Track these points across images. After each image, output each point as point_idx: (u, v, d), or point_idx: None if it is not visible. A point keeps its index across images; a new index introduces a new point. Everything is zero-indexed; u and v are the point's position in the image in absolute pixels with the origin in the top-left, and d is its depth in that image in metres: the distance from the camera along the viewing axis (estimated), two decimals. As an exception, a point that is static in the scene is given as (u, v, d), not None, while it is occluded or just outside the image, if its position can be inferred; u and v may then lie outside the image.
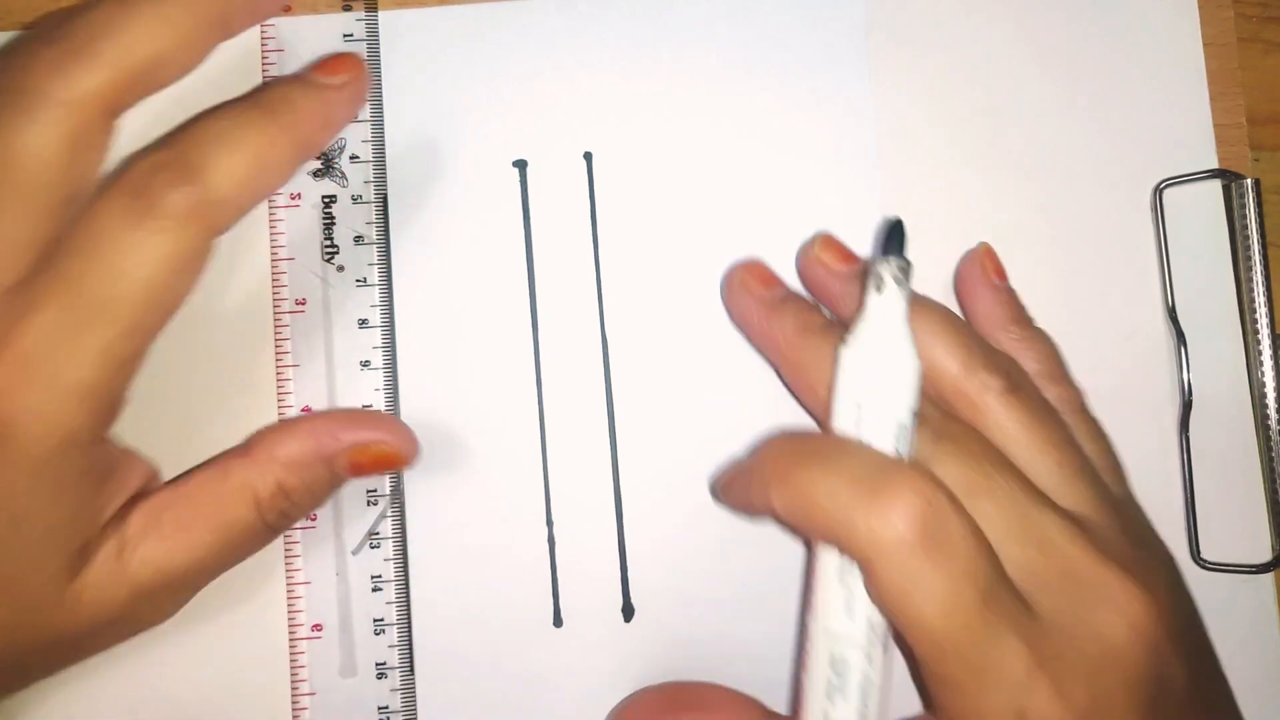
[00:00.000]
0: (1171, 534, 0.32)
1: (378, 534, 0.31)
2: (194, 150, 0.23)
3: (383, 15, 0.33)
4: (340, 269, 0.32)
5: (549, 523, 0.32)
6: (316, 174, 0.31)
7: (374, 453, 0.28)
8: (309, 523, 0.31)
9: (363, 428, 0.28)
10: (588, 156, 0.33)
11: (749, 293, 0.30)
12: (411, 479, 0.32)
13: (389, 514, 0.31)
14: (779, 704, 0.32)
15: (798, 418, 0.32)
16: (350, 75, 0.26)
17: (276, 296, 0.32)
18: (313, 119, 0.25)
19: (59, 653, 0.27)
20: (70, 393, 0.22)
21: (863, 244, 0.32)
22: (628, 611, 0.32)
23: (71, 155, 0.22)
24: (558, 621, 0.32)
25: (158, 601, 0.26)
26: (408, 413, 0.32)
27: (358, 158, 0.32)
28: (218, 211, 0.23)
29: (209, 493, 0.26)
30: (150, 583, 0.25)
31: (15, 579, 0.24)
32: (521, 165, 0.33)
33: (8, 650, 0.25)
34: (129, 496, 0.26)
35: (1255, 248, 0.32)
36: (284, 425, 0.28)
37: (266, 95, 0.25)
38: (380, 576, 0.32)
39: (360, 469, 0.28)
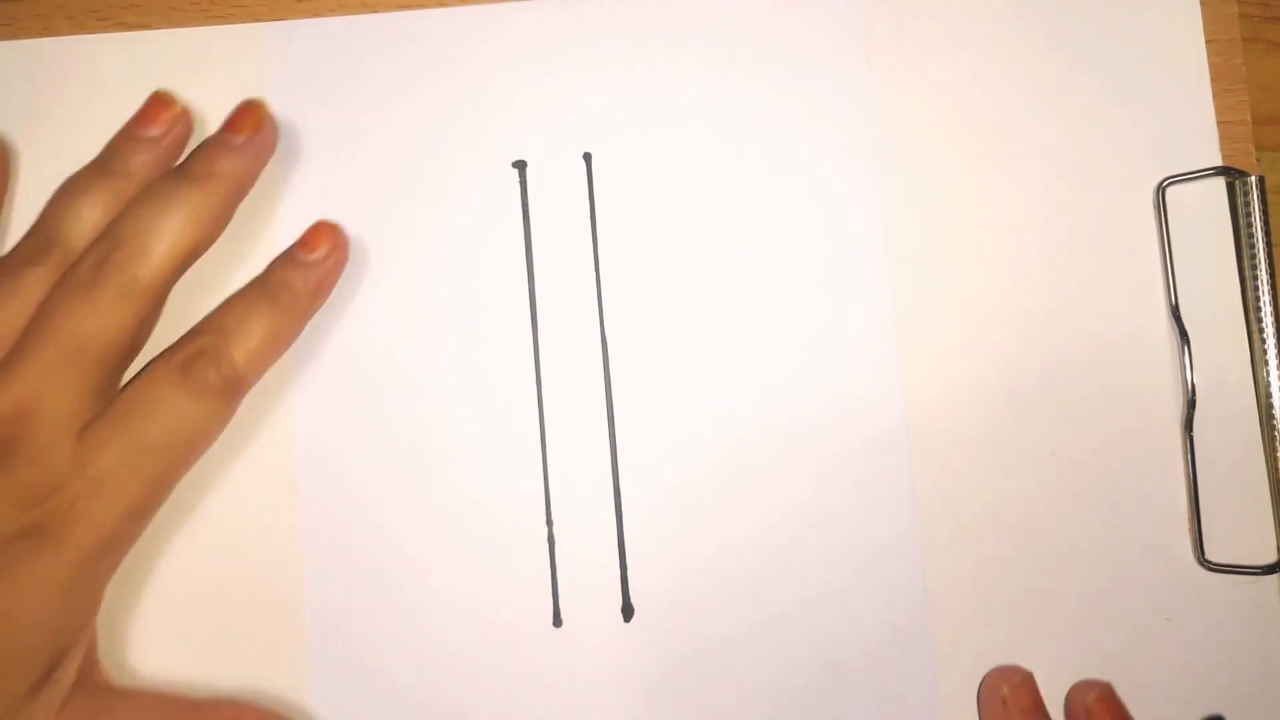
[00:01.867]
0: (1175, 535, 0.32)
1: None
2: (221, 339, 0.29)
3: (380, 17, 0.33)
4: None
5: (549, 522, 0.32)
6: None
7: None
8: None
9: None
10: (587, 157, 0.33)
11: (1009, 713, 0.31)
12: (411, 477, 0.32)
13: None
14: (779, 705, 0.32)
15: (800, 416, 0.32)
16: (329, 245, 0.31)
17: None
18: (305, 293, 0.30)
19: None
20: (122, 512, 0.27)
21: (862, 243, 0.32)
22: (627, 611, 0.32)
23: (136, 329, 0.29)
24: (557, 621, 0.32)
25: None
26: (407, 414, 0.32)
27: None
28: (240, 384, 0.29)
29: (149, 716, 0.29)
30: None
31: None
32: (521, 166, 0.33)
33: None
34: (79, 664, 0.28)
35: (1260, 245, 0.31)
36: (234, 707, 0.31)
37: (269, 281, 0.30)
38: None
39: None
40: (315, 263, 0.31)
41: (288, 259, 0.31)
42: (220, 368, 0.28)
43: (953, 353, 0.32)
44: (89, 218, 0.29)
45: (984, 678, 0.32)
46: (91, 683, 0.29)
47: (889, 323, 0.32)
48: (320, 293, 0.31)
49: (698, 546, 0.32)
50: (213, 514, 0.32)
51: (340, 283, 0.32)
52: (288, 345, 0.30)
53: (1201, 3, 0.32)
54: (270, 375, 0.32)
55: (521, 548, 0.32)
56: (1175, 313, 0.32)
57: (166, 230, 0.29)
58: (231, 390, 0.29)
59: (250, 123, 0.31)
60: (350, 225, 0.33)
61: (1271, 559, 0.32)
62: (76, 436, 0.27)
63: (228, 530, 0.32)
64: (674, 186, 0.33)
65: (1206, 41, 0.32)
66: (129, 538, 0.28)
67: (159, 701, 0.30)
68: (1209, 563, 0.32)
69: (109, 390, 0.29)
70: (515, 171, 0.33)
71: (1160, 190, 0.32)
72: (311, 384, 0.33)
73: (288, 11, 0.34)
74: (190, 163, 0.30)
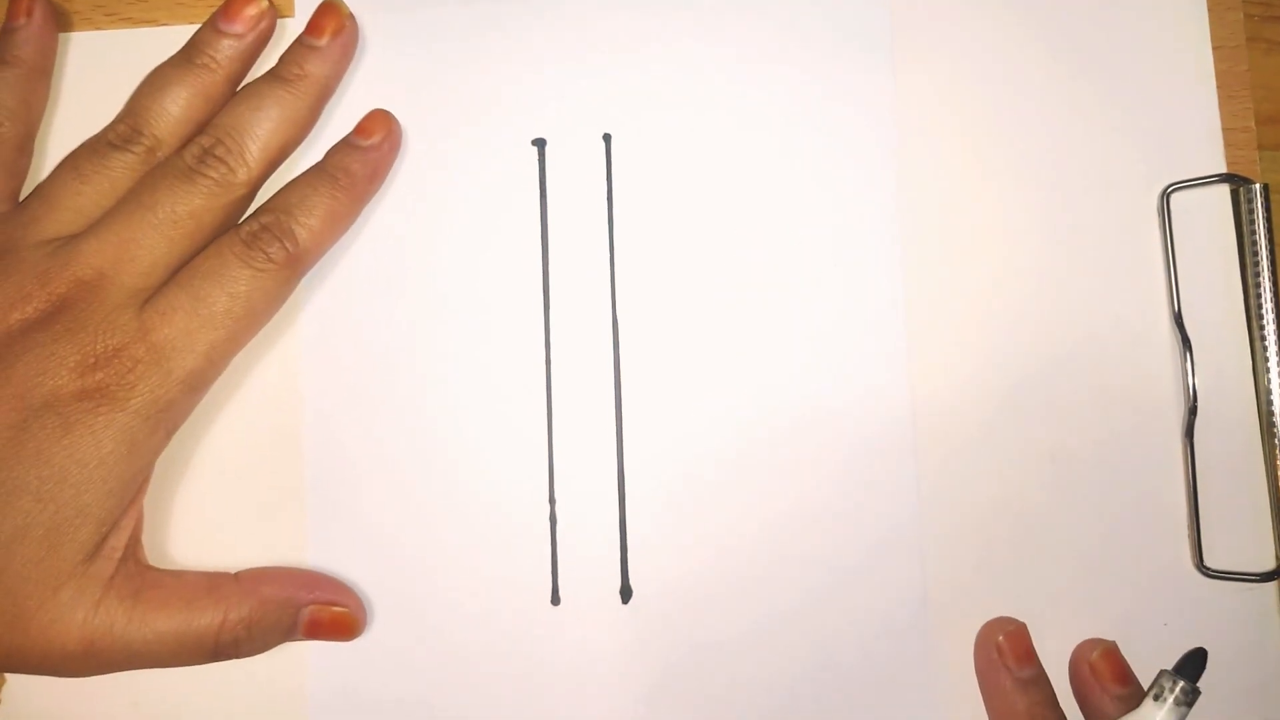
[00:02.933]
0: (1175, 541, 0.32)
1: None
2: (285, 216, 0.31)
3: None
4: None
5: (551, 501, 0.32)
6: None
7: (333, 614, 0.31)
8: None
9: (331, 591, 0.31)
10: (607, 138, 0.33)
11: (1003, 663, 0.31)
12: (417, 451, 0.32)
13: None
14: (774, 693, 0.31)
15: (807, 409, 0.32)
16: (383, 132, 0.33)
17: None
18: (362, 176, 0.32)
19: None
20: (180, 379, 0.29)
21: (875, 239, 0.33)
22: (625, 593, 0.32)
23: (225, 217, 0.31)
24: (555, 600, 0.32)
25: (89, 660, 0.28)
26: (415, 387, 0.32)
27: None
28: (300, 259, 0.31)
29: (190, 593, 0.30)
30: (99, 639, 0.28)
31: (33, 559, 0.28)
32: (541, 144, 0.33)
33: None
34: (127, 538, 0.29)
35: (1263, 253, 0.32)
36: (270, 569, 0.32)
37: (328, 165, 0.32)
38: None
39: (315, 627, 0.31)
40: (371, 147, 0.32)
41: (345, 145, 0.33)
42: (283, 242, 0.30)
43: (958, 353, 0.33)
44: (173, 109, 0.31)
45: (980, 629, 0.32)
46: (135, 559, 0.30)
47: (899, 319, 0.32)
48: (376, 176, 0.33)
49: (699, 532, 0.32)
50: (218, 496, 0.32)
51: (356, 254, 0.33)
52: (346, 226, 0.32)
53: (1208, 9, 0.33)
54: (281, 347, 0.33)
55: (523, 525, 0.32)
56: (1178, 319, 0.32)
57: (261, 130, 0.31)
58: (292, 264, 0.30)
59: (332, 24, 0.32)
60: (369, 204, 0.33)
61: (1270, 566, 0.32)
62: (142, 303, 0.29)
63: (233, 507, 0.32)
64: (692, 171, 0.33)
65: (1212, 48, 0.33)
66: (185, 407, 0.30)
67: (200, 576, 0.30)
68: (1208, 570, 0.32)
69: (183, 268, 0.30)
70: (535, 149, 0.33)
71: (1165, 196, 0.33)
72: (321, 354, 0.33)
73: (294, 8, 0.34)
74: (279, 66, 0.32)
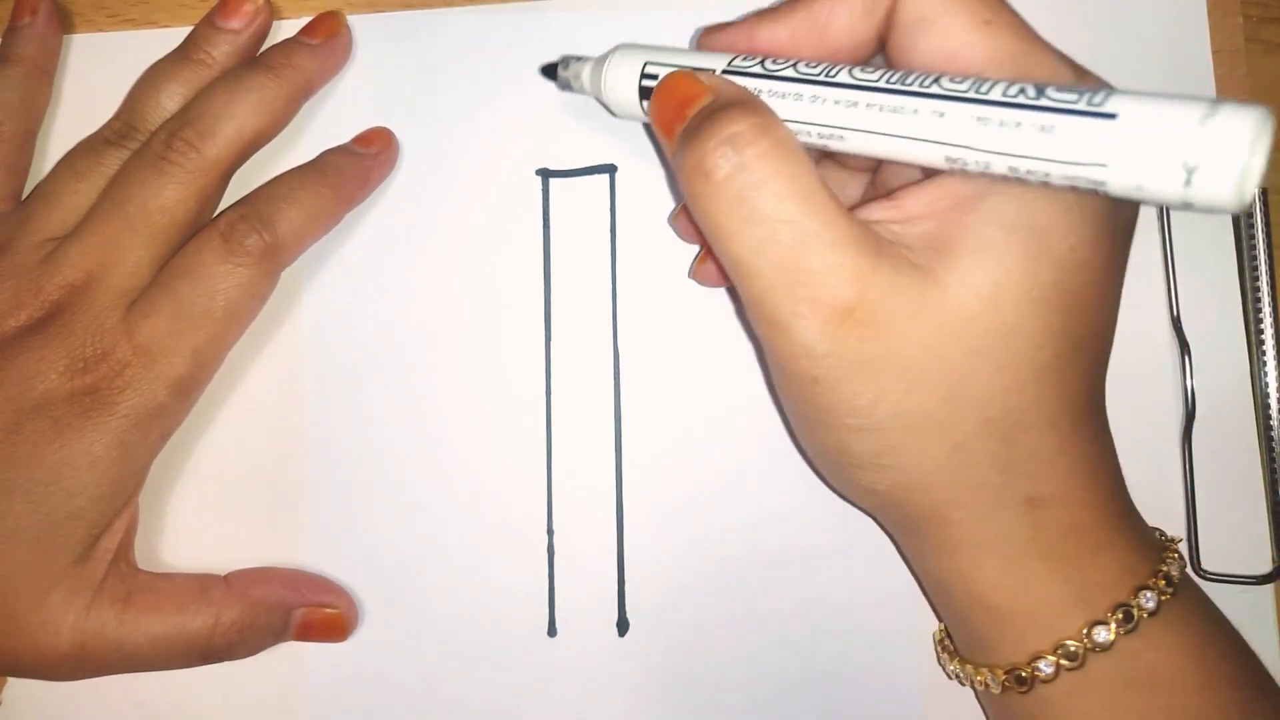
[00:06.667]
0: (1172, 543, 0.32)
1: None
2: (266, 206, 0.30)
3: (408, 15, 0.33)
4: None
5: (549, 532, 0.32)
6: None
7: (324, 616, 0.31)
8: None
9: (321, 591, 0.31)
10: (611, 169, 0.33)
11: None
12: (416, 481, 0.32)
13: None
14: None
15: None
16: (381, 145, 0.32)
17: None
18: (353, 177, 0.32)
19: None
20: (168, 382, 0.29)
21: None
22: (622, 625, 0.32)
23: (200, 206, 0.30)
24: (552, 631, 0.32)
25: (81, 663, 0.29)
26: (415, 416, 0.32)
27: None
28: (278, 251, 0.30)
29: (181, 596, 0.30)
30: (91, 643, 0.28)
31: (26, 560, 0.28)
32: (545, 174, 0.33)
33: None
34: (120, 540, 0.29)
35: (1261, 257, 0.31)
36: (262, 570, 0.32)
37: (320, 161, 0.32)
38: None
39: (307, 629, 0.31)
40: (367, 154, 0.32)
41: (341, 148, 0.32)
42: (261, 234, 0.29)
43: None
44: (168, 104, 0.31)
45: None
46: (127, 562, 0.30)
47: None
48: (367, 183, 0.32)
49: (697, 565, 0.32)
50: (218, 503, 0.33)
51: (359, 279, 0.33)
52: (328, 226, 0.32)
53: (1207, 13, 0.32)
54: (283, 379, 0.33)
55: (521, 556, 0.32)
56: (1176, 322, 0.32)
57: (235, 112, 0.30)
58: (270, 257, 0.30)
59: (327, 28, 0.32)
60: (373, 226, 0.33)
61: (1266, 569, 0.32)
62: (129, 305, 0.29)
63: (233, 514, 0.33)
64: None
65: (1211, 52, 0.32)
66: (175, 411, 0.30)
67: (190, 579, 0.31)
68: (1205, 572, 0.32)
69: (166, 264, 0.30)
70: (539, 179, 0.33)
71: (1163, 200, 0.32)
72: (323, 381, 0.33)
73: (295, 9, 0.34)
74: (265, 54, 0.32)
